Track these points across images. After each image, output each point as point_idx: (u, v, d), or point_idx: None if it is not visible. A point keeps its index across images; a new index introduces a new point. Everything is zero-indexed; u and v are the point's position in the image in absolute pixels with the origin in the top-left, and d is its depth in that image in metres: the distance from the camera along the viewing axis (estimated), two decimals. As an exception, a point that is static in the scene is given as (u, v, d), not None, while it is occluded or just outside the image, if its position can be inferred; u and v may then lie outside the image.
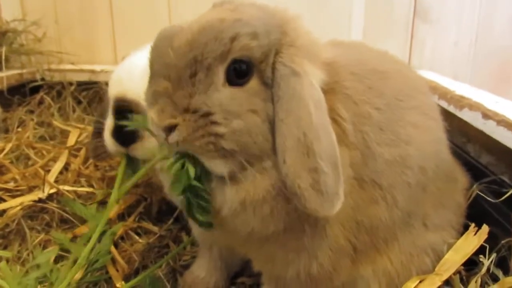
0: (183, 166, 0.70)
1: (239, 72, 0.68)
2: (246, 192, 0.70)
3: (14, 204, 1.41)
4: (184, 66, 0.65)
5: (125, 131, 1.06)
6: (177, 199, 0.73)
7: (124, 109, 1.07)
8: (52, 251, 1.08)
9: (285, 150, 0.66)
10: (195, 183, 0.69)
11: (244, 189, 0.70)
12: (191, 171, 0.68)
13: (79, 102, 2.24)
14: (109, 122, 1.12)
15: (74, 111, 2.20)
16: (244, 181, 0.70)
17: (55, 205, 1.43)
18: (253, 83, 0.69)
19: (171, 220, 1.34)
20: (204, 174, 0.71)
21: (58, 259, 1.18)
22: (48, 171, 1.63)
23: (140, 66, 1.06)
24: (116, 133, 1.10)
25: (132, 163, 1.15)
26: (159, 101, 0.66)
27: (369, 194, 0.78)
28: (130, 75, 1.10)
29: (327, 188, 0.66)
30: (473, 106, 1.08)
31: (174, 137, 0.66)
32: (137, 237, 1.32)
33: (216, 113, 0.65)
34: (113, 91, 1.13)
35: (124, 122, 0.92)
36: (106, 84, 2.08)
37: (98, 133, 1.20)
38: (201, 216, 0.72)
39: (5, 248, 1.26)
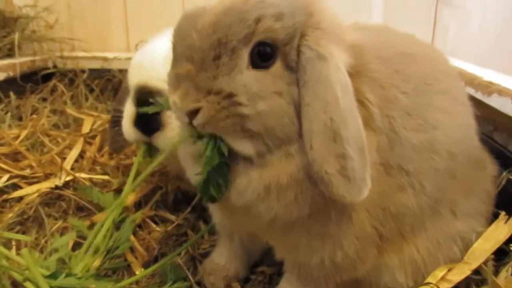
0: (213, 146, 0.69)
1: (263, 54, 0.66)
2: (271, 176, 0.69)
3: (30, 191, 1.40)
4: (207, 48, 0.64)
5: (148, 119, 1.03)
6: (195, 178, 0.72)
7: (146, 97, 1.03)
8: (69, 236, 1.08)
9: (312, 135, 0.65)
10: (226, 160, 0.69)
11: (269, 173, 0.69)
12: (225, 149, 0.68)
13: (91, 90, 2.22)
14: (129, 110, 1.09)
15: (86, 99, 2.19)
16: (269, 165, 0.69)
17: (71, 192, 1.42)
18: (277, 66, 0.67)
19: (188, 209, 1.32)
20: (228, 156, 0.70)
21: (75, 246, 1.16)
22: (64, 158, 1.62)
23: (162, 52, 1.03)
24: (139, 121, 1.07)
25: (151, 152, 1.12)
26: (182, 85, 0.65)
27: (395, 180, 0.76)
28: (152, 62, 1.06)
29: (354, 174, 0.64)
30: (503, 92, 1.05)
31: (198, 119, 0.65)
32: (154, 226, 1.31)
33: (240, 94, 0.64)
34: (134, 79, 1.09)
35: (146, 109, 0.90)
36: (119, 71, 2.14)
37: (116, 121, 1.17)
38: (215, 192, 0.71)
39: (23, 234, 1.25)
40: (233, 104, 0.65)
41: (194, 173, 0.73)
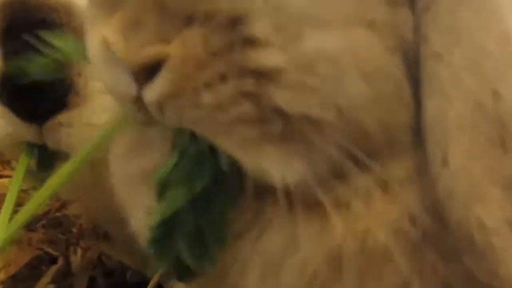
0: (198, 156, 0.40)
1: None
2: (347, 236, 0.40)
3: None
4: None
5: (34, 88, 0.61)
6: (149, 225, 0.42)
7: (21, 27, 0.61)
8: None
9: (448, 134, 0.38)
10: (223, 188, 0.41)
11: (343, 230, 0.40)
12: (223, 165, 0.39)
13: None
14: None
15: None
16: (343, 210, 0.40)
17: None
18: None
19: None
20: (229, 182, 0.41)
21: None
22: None
23: None
24: (12, 93, 0.63)
25: (44, 163, 0.70)
26: (131, 5, 0.36)
27: None
28: None
29: None
30: None
31: (161, 87, 0.36)
32: None
33: (262, 19, 0.35)
34: None
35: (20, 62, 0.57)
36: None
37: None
38: (194, 259, 0.42)
39: None
40: (244, 46, 0.35)
41: (146, 215, 0.43)
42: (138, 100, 0.38)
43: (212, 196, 0.42)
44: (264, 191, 0.41)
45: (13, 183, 0.63)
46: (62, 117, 0.64)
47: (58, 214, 1.00)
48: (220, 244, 0.43)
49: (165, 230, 0.42)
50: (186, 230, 0.42)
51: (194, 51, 0.35)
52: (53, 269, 0.92)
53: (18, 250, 0.91)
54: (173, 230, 0.42)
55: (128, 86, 0.38)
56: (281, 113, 0.36)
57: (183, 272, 0.44)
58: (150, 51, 0.35)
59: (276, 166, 0.38)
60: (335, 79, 0.36)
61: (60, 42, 0.52)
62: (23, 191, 0.69)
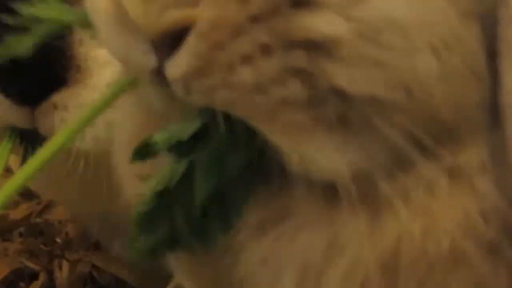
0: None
1: None
2: (399, 232, 0.37)
3: None
4: None
5: (31, 62, 0.54)
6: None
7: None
8: None
9: None
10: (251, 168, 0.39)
11: (390, 226, 0.37)
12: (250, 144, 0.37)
13: None
14: None
15: None
16: (408, 203, 0.37)
17: None
18: None
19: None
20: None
21: None
22: None
23: None
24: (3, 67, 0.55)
25: (30, 149, 0.64)
26: None
27: None
28: None
29: None
30: None
31: (185, 58, 0.31)
32: None
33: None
34: None
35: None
36: None
37: None
38: (218, 234, 0.41)
39: None
40: (299, 15, 0.31)
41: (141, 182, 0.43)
42: (158, 74, 0.33)
43: (231, 179, 0.39)
44: (296, 181, 0.38)
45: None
46: (58, 98, 0.57)
47: (39, 219, 0.91)
48: (224, 230, 0.41)
49: (162, 201, 0.40)
50: (187, 206, 0.40)
51: (227, 14, 0.30)
52: (35, 286, 0.82)
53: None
54: (172, 203, 0.40)
55: (146, 57, 0.33)
56: (338, 94, 0.32)
57: (173, 247, 0.42)
58: (173, 15, 0.30)
59: (328, 155, 0.35)
60: (403, 52, 0.32)
61: (48, 11, 0.45)
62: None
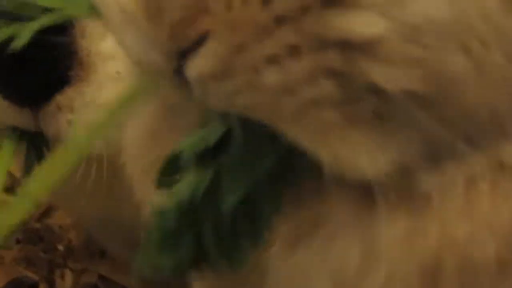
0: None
1: None
2: (440, 238, 0.36)
3: None
4: None
5: (32, 59, 0.53)
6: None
7: None
8: None
9: None
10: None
11: (429, 231, 0.36)
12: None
13: None
14: None
15: None
16: (444, 203, 0.36)
17: None
18: None
19: None
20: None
21: None
22: None
23: None
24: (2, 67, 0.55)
25: (34, 152, 0.61)
26: None
27: None
28: None
29: None
30: None
31: (204, 60, 0.31)
32: None
33: None
34: None
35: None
36: None
37: None
38: (248, 249, 0.39)
39: None
40: (332, 14, 0.30)
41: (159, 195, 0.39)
42: (177, 74, 0.32)
43: (260, 187, 0.38)
44: (328, 184, 0.36)
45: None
46: (61, 98, 0.55)
47: (38, 224, 0.86)
48: (255, 245, 0.39)
49: (187, 215, 0.38)
50: (214, 220, 0.39)
51: (248, 15, 0.30)
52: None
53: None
54: (197, 217, 0.39)
55: (164, 57, 0.32)
56: (374, 91, 0.31)
57: (231, 258, 0.40)
58: (191, 13, 0.30)
59: (364, 153, 0.34)
60: (441, 50, 0.32)
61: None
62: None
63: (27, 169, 0.60)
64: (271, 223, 0.38)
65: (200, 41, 0.30)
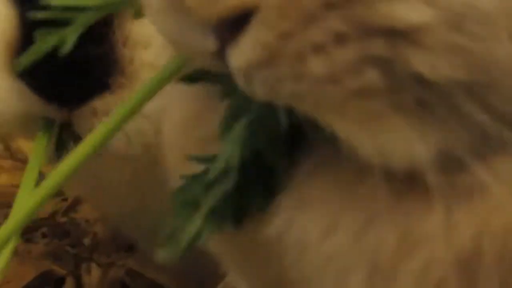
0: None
1: None
2: (479, 228, 0.35)
3: None
4: None
5: (71, 64, 0.53)
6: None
7: None
8: None
9: None
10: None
11: (467, 221, 0.35)
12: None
13: None
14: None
15: None
16: (481, 194, 0.35)
17: None
18: None
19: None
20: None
21: None
22: None
23: None
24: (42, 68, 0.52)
25: (63, 145, 0.60)
26: None
27: None
28: None
29: None
30: None
31: (247, 48, 0.31)
32: None
33: None
34: None
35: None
36: None
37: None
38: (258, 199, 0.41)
39: None
40: (378, 2, 0.31)
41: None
42: (218, 57, 0.33)
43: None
44: (367, 171, 0.36)
45: (29, 171, 0.50)
46: (99, 103, 0.56)
47: (64, 219, 0.85)
48: (266, 195, 0.41)
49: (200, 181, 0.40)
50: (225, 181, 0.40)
51: (297, 0, 0.30)
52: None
53: (19, 265, 0.76)
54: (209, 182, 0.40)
55: (205, 40, 0.33)
56: (418, 79, 0.32)
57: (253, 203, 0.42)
58: (233, 2, 0.30)
59: (408, 141, 0.34)
60: (486, 38, 0.32)
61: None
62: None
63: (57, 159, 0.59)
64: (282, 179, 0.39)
65: (245, 20, 0.30)
